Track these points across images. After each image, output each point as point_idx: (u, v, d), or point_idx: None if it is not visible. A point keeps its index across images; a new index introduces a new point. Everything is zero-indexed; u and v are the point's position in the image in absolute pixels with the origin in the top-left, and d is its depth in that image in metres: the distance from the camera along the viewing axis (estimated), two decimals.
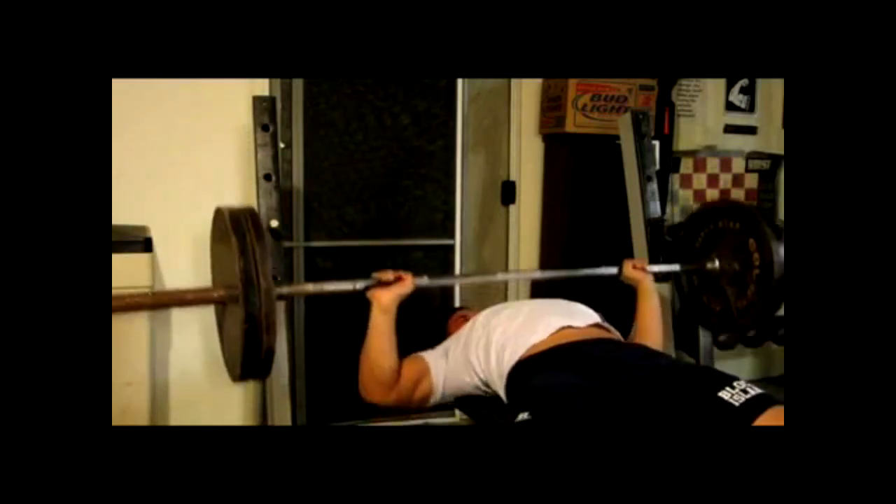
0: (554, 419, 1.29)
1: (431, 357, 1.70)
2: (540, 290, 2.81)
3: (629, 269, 1.96)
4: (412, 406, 1.69)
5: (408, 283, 1.64)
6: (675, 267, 2.14)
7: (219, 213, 1.47)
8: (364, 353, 1.61)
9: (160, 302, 1.49)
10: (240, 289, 1.31)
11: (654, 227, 2.25)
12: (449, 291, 2.77)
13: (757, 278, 1.94)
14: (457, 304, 2.70)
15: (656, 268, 2.06)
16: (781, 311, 1.97)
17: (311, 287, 1.72)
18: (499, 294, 2.90)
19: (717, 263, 2.07)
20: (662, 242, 2.26)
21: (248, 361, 1.37)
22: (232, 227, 1.36)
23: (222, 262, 1.47)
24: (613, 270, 1.98)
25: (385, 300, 1.60)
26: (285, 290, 1.65)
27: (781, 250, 1.88)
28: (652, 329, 1.88)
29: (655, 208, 2.26)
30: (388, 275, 1.63)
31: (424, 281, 1.70)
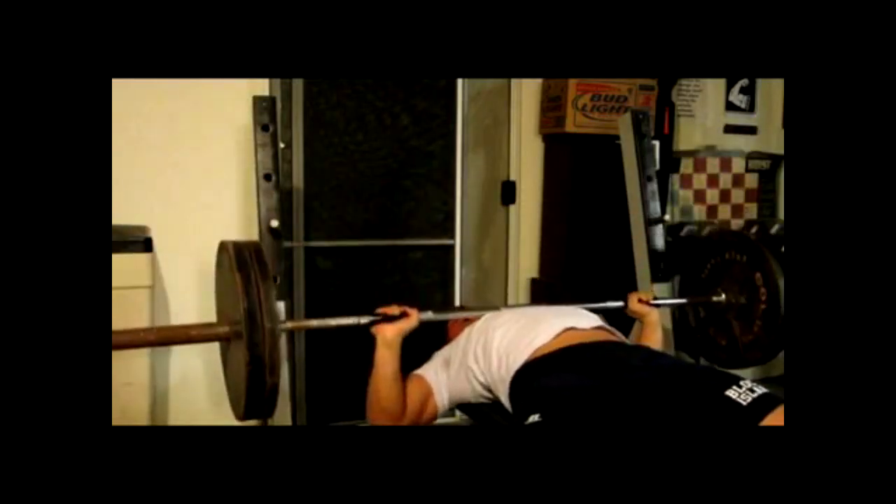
0: (567, 421, 1.29)
1: (431, 373, 1.70)
2: (540, 291, 2.81)
3: (634, 303, 1.95)
4: (420, 424, 1.68)
5: (412, 319, 1.63)
6: (682, 301, 2.16)
7: (223, 248, 1.47)
8: (371, 387, 1.60)
9: (163, 339, 1.49)
10: (243, 329, 1.31)
11: (655, 226, 2.25)
12: (449, 292, 2.77)
13: (763, 314, 1.94)
14: (456, 303, 2.70)
15: (662, 301, 2.05)
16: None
17: (314, 322, 1.73)
18: (499, 295, 2.91)
19: (723, 297, 2.08)
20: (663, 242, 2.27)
21: (251, 401, 1.37)
22: (236, 264, 1.35)
23: (227, 296, 1.47)
24: (619, 304, 1.97)
25: (389, 335, 1.59)
26: (289, 325, 1.67)
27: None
28: None
29: (655, 208, 2.27)
30: (394, 309, 1.63)
31: (429, 315, 1.70)
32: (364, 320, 1.62)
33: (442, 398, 1.67)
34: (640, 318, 1.95)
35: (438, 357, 1.73)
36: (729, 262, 2.07)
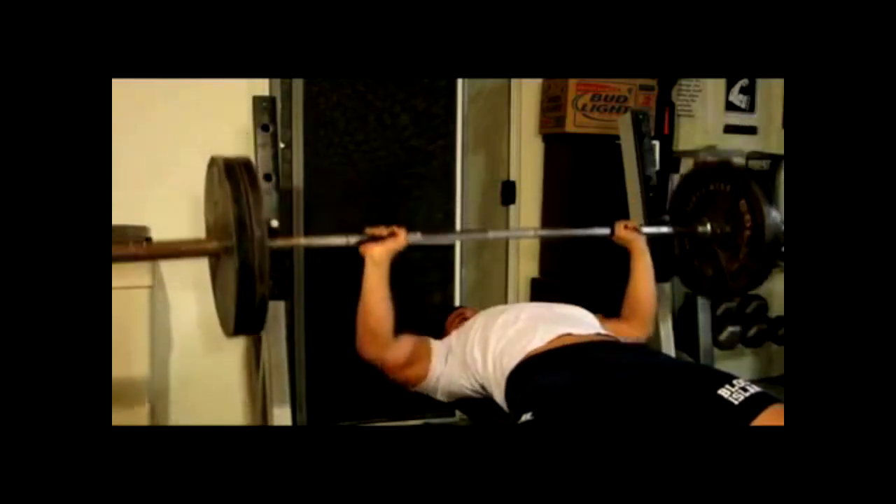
0: (557, 419, 1.29)
1: (437, 345, 1.73)
2: (540, 291, 2.81)
3: (621, 230, 1.97)
4: (402, 376, 1.70)
5: (400, 238, 1.66)
6: (667, 230, 2.15)
7: (213, 162, 1.47)
8: (360, 308, 1.64)
9: (156, 252, 1.52)
10: (234, 236, 1.30)
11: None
12: (448, 291, 2.77)
13: (748, 241, 1.94)
14: (456, 303, 2.70)
15: (648, 230, 2.07)
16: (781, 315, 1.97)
17: (303, 240, 1.73)
18: (499, 295, 2.91)
19: (708, 227, 2.08)
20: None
21: (242, 313, 1.36)
22: (226, 174, 1.34)
23: (216, 209, 1.46)
24: (606, 231, 1.99)
25: (377, 254, 1.63)
26: (279, 242, 1.66)
27: (773, 211, 1.90)
28: (644, 290, 1.91)
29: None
30: (382, 230, 1.66)
31: (417, 237, 1.72)
32: (353, 240, 1.66)
33: (436, 369, 1.69)
34: (627, 245, 1.97)
35: (445, 342, 1.75)
36: (713, 193, 2.07)
